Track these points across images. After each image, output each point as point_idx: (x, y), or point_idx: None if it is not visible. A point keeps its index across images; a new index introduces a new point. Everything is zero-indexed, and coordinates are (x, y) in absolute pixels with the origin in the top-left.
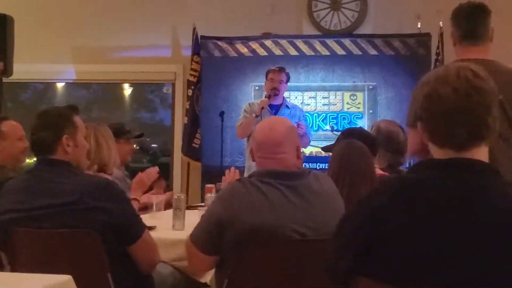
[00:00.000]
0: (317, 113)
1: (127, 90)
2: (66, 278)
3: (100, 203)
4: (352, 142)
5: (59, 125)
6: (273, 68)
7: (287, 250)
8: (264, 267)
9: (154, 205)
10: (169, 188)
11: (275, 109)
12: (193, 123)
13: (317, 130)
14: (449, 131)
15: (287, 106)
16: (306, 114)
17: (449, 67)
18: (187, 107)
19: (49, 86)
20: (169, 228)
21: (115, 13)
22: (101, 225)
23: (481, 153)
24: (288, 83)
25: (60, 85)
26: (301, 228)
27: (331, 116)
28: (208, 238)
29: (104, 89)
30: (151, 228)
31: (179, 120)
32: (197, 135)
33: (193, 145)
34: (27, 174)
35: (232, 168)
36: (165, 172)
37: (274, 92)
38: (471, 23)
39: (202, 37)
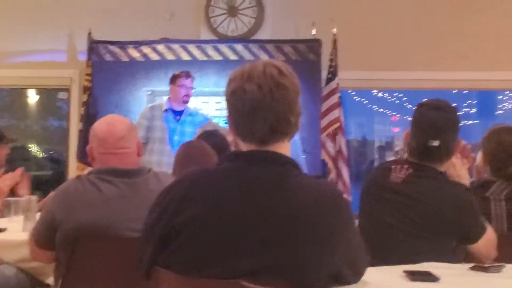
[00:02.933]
0: (211, 116)
1: (33, 96)
2: None
3: None
4: (191, 141)
5: None
6: (180, 73)
7: (121, 247)
8: (96, 265)
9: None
10: None
11: (179, 115)
12: (89, 129)
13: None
14: (251, 126)
15: (190, 113)
16: None
17: (256, 64)
18: (82, 112)
19: None
20: (19, 230)
21: (8, 19)
22: None
23: (282, 148)
24: None
25: None
26: (137, 225)
27: (224, 120)
28: (44, 235)
29: (11, 95)
30: (2, 230)
31: (75, 126)
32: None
33: (87, 150)
34: None
35: None
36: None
37: (186, 99)
38: None
39: (93, 41)
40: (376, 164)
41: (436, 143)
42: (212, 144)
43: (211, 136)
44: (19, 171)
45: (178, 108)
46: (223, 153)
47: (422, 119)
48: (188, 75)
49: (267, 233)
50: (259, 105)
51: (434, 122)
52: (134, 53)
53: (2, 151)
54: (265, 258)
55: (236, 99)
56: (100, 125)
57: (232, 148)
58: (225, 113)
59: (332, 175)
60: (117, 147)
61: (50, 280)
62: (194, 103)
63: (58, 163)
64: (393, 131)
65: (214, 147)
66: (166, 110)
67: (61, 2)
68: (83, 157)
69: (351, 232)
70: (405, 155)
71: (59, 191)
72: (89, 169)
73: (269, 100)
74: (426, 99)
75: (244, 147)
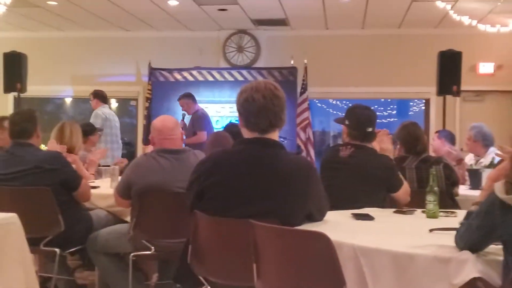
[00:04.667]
0: (226, 116)
1: (114, 104)
2: (11, 215)
3: (52, 166)
4: (219, 132)
5: (35, 120)
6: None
7: (172, 199)
8: (156, 209)
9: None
10: None
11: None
12: (149, 124)
13: None
14: (257, 121)
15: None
16: (219, 118)
17: (259, 82)
18: (145, 113)
19: (63, 100)
20: (108, 187)
21: (100, 50)
22: (52, 181)
23: (274, 135)
24: (209, 98)
25: (68, 100)
26: (182, 185)
27: (236, 120)
28: (123, 189)
29: None
30: (95, 187)
31: (141, 122)
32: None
33: (149, 138)
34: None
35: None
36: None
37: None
38: None
39: (152, 68)
40: (331, 145)
41: (370, 129)
42: (231, 133)
43: (231, 127)
44: (104, 150)
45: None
46: (237, 138)
47: (359, 115)
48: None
49: (264, 190)
50: (263, 108)
51: (368, 115)
52: (178, 76)
53: (95, 138)
54: (263, 205)
55: (247, 104)
56: (158, 121)
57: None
58: (236, 113)
59: (304, 154)
60: (169, 134)
61: (127, 219)
62: (215, 108)
63: (130, 145)
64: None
65: (232, 135)
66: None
67: (132, 43)
68: (146, 141)
69: (319, 187)
70: (347, 139)
71: (133, 163)
72: (150, 148)
73: (270, 105)
74: (355, 103)
75: (249, 135)
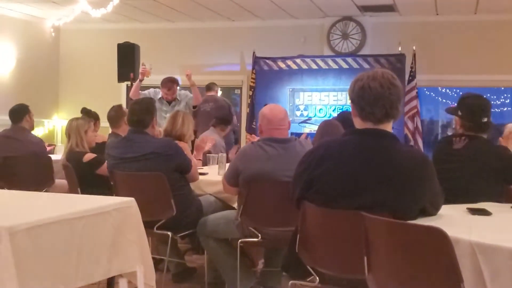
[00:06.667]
0: (330, 105)
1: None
2: (130, 199)
3: (166, 152)
4: (329, 120)
5: (152, 112)
6: (163, 81)
7: (278, 187)
8: (263, 197)
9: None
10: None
11: (169, 102)
12: (252, 112)
13: (329, 117)
14: (373, 110)
15: (177, 99)
16: (322, 106)
17: (376, 71)
18: (249, 101)
19: None
20: (216, 174)
21: (206, 41)
22: (166, 167)
23: (388, 126)
24: (312, 86)
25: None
26: (289, 173)
27: (338, 108)
28: (231, 177)
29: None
30: (204, 174)
31: (245, 110)
32: (254, 119)
33: (253, 126)
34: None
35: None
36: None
37: (168, 99)
38: None
39: (256, 57)
40: (440, 137)
41: (485, 119)
42: (343, 121)
43: (344, 115)
44: (213, 138)
45: (169, 98)
46: (348, 127)
47: (472, 105)
48: (167, 84)
49: (377, 181)
50: (380, 97)
51: (481, 105)
52: (281, 64)
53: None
54: (376, 197)
55: (363, 92)
56: (267, 110)
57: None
58: (340, 102)
59: (411, 144)
60: (278, 124)
61: (235, 205)
62: (318, 97)
63: (234, 132)
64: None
65: (343, 123)
66: (160, 99)
67: (237, 33)
68: (250, 128)
69: (434, 181)
70: (460, 130)
71: (241, 151)
72: (254, 136)
73: (387, 94)
74: (466, 92)
75: (362, 125)
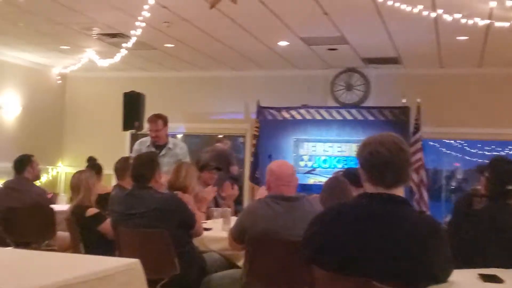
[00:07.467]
0: (333, 156)
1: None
2: (135, 261)
3: (169, 208)
4: (336, 176)
5: (153, 166)
6: (149, 118)
7: (285, 246)
8: (270, 256)
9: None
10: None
11: (159, 149)
12: (256, 161)
13: (333, 168)
14: (383, 176)
15: (169, 147)
16: (326, 157)
17: (383, 135)
18: (253, 150)
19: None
20: (220, 229)
21: (211, 89)
22: (169, 223)
23: (399, 191)
24: (316, 136)
25: (179, 136)
26: (295, 233)
27: (343, 159)
28: (237, 234)
29: (205, 139)
30: (208, 229)
31: (248, 159)
32: (258, 169)
33: (256, 175)
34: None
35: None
36: (240, 193)
37: (155, 139)
38: None
39: (260, 107)
40: (444, 187)
41: (510, 187)
42: (350, 179)
43: (348, 172)
44: (214, 188)
45: (159, 143)
46: (355, 184)
47: (500, 170)
48: (152, 119)
49: (390, 248)
50: (389, 162)
51: (510, 172)
52: (286, 114)
53: (207, 175)
54: (387, 265)
55: (372, 158)
56: (276, 166)
57: None
58: (344, 153)
59: (416, 196)
60: (287, 181)
61: (240, 263)
62: (322, 147)
63: (236, 180)
64: (455, 165)
65: (350, 180)
66: (148, 146)
67: (241, 82)
68: (253, 178)
69: (446, 248)
70: (483, 191)
71: (248, 208)
72: (262, 190)
73: (396, 159)
74: (498, 155)
75: (373, 189)
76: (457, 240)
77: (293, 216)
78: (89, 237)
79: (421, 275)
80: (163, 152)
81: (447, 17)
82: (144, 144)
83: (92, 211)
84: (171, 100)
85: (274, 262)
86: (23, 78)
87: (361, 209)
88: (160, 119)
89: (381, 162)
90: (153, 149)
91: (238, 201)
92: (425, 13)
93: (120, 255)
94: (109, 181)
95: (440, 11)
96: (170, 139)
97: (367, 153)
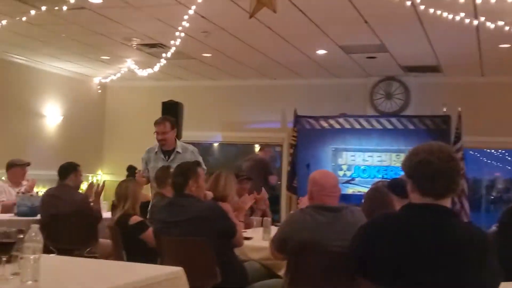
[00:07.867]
0: (373, 166)
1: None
2: (179, 269)
3: (210, 216)
4: (377, 187)
5: (188, 174)
6: (156, 120)
7: (326, 257)
8: (311, 266)
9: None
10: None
11: (167, 155)
12: (293, 171)
13: (373, 177)
14: (433, 185)
15: (178, 152)
16: (366, 167)
17: (432, 144)
18: (290, 159)
19: (211, 145)
20: (261, 239)
21: (247, 98)
22: (210, 232)
23: (448, 201)
24: (355, 146)
25: (215, 144)
26: (338, 243)
27: (383, 169)
28: (279, 243)
29: (241, 148)
30: (249, 238)
31: (285, 168)
32: (295, 178)
33: (293, 185)
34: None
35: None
36: (277, 202)
37: (162, 143)
38: None
39: (298, 116)
40: (484, 198)
41: None
42: (392, 189)
43: (395, 184)
44: (252, 196)
45: (168, 148)
46: (399, 195)
47: None
48: (159, 121)
49: (437, 261)
50: (440, 171)
51: None
52: (324, 123)
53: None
54: (435, 277)
55: (422, 167)
56: (319, 176)
57: None
58: (385, 163)
59: (458, 207)
60: (331, 191)
61: (281, 273)
62: (361, 157)
63: (274, 189)
64: (495, 175)
65: (397, 193)
66: (156, 152)
67: (278, 90)
68: (290, 187)
69: (495, 260)
70: None
71: (289, 218)
72: (304, 200)
73: (446, 168)
74: None
75: (421, 200)
76: (504, 252)
77: (336, 227)
78: (131, 244)
79: (472, 285)
80: (171, 157)
81: (490, 25)
82: (152, 151)
83: (135, 219)
84: (208, 109)
85: (316, 272)
86: (64, 88)
87: (407, 220)
88: (167, 121)
89: (431, 171)
90: (161, 156)
91: (275, 210)
92: (467, 20)
93: (162, 263)
94: (147, 189)
95: (482, 18)
96: (179, 143)
97: (416, 163)
